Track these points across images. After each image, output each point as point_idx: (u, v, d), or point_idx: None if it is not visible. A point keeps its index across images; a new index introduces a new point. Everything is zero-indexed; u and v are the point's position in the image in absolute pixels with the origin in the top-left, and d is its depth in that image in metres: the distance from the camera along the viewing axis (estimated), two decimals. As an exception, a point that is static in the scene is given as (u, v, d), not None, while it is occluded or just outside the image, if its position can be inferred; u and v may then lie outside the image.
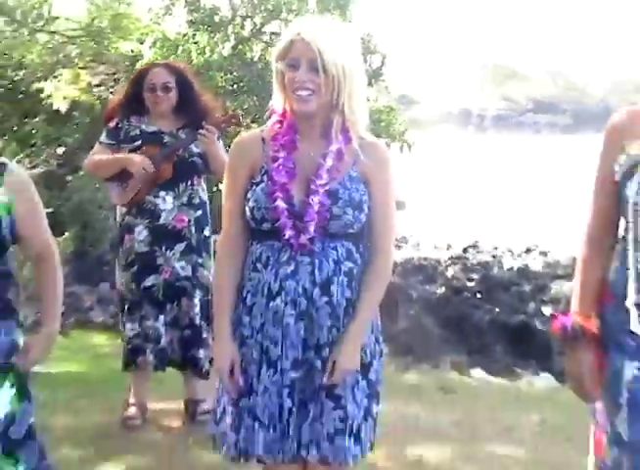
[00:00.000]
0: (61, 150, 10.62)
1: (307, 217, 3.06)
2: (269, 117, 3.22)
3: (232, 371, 3.15)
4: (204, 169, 5.32)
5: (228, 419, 3.18)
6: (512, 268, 14.11)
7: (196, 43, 11.73)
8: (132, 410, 5.39)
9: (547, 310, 11.12)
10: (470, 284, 12.84)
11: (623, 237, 3.01)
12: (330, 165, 3.10)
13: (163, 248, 5.25)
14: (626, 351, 2.93)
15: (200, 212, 5.34)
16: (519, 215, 19.79)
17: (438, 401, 6.53)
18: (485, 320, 10.74)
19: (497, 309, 11.37)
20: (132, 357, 5.38)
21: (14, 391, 3.17)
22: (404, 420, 5.87)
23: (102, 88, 9.95)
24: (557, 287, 12.59)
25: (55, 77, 9.70)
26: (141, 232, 5.26)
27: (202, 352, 5.34)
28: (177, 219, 5.26)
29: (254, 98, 11.80)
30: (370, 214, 3.16)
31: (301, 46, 3.02)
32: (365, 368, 3.17)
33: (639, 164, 2.92)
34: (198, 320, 5.32)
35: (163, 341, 5.28)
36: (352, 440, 3.15)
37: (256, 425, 3.12)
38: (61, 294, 3.35)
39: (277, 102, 3.18)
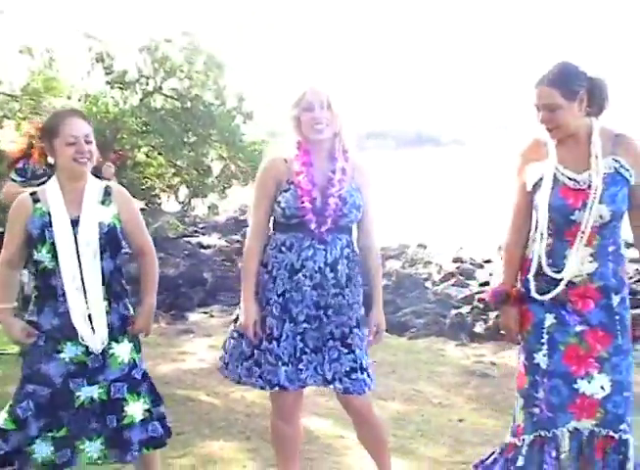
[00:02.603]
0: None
1: (326, 213, 3.24)
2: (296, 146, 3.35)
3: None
4: None
5: (250, 359, 3.33)
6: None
7: (112, 97, 11.59)
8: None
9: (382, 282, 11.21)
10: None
11: (537, 228, 3.14)
12: (339, 178, 3.29)
13: None
14: (545, 306, 3.12)
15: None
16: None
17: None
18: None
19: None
20: None
21: (131, 345, 3.34)
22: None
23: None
24: (389, 264, 12.75)
25: (1, 127, 9.51)
26: None
27: None
28: None
29: (159, 137, 11.74)
30: (362, 215, 3.36)
31: (313, 94, 3.27)
32: (362, 322, 3.35)
33: (542, 178, 3.09)
34: None
35: None
36: (365, 374, 3.29)
37: (279, 363, 3.25)
38: (157, 279, 3.47)
39: (294, 136, 3.35)
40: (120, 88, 11.71)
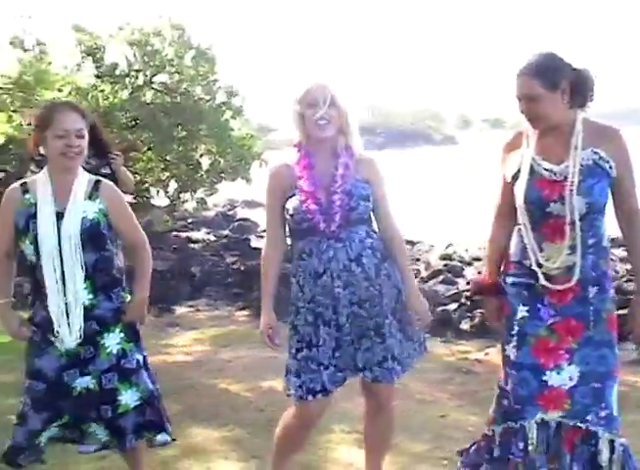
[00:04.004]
0: (1, 175, 10.37)
1: (333, 211, 3.21)
2: (294, 147, 3.35)
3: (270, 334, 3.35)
4: None
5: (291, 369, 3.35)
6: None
7: (102, 91, 11.56)
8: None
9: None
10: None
11: (519, 221, 3.13)
12: (341, 173, 3.25)
13: None
14: (520, 298, 3.13)
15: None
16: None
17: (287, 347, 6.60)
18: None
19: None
20: None
21: (122, 334, 3.33)
22: (260, 361, 5.96)
23: (31, 127, 9.75)
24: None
25: (-8, 119, 9.52)
26: None
27: None
28: None
29: (148, 131, 11.72)
30: (376, 208, 3.33)
31: (318, 90, 3.23)
32: (394, 312, 3.33)
33: (520, 170, 3.09)
34: None
35: None
36: (396, 363, 3.30)
37: (321, 368, 3.26)
38: (149, 272, 3.47)
39: (296, 135, 3.33)
40: (110, 82, 11.68)
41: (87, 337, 3.25)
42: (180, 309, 8.75)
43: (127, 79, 11.75)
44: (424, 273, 11.88)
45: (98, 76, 11.57)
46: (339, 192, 3.23)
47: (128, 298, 3.39)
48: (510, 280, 3.20)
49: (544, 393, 3.05)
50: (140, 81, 11.88)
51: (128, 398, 3.32)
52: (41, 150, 3.33)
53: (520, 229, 3.14)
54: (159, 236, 12.62)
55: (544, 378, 3.06)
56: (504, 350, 3.18)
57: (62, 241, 3.18)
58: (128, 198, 5.30)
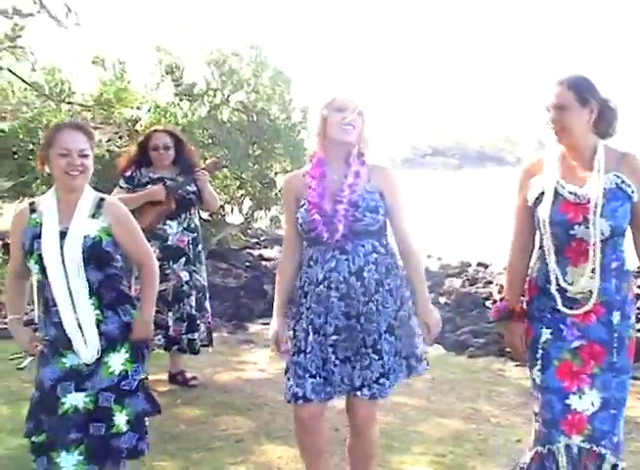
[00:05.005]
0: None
1: (336, 220, 3.23)
2: (310, 158, 3.42)
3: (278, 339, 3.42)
4: (197, 203, 5.53)
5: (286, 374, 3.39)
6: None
7: (180, 109, 11.78)
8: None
9: (442, 300, 11.22)
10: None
11: (541, 246, 3.17)
12: (351, 182, 3.27)
13: (171, 262, 5.41)
14: (544, 322, 3.12)
15: (195, 234, 5.59)
16: (422, 230, 19.88)
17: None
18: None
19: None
20: None
21: (127, 355, 3.32)
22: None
23: (110, 143, 9.95)
24: (449, 282, 12.73)
25: (74, 136, 9.71)
26: (154, 251, 5.35)
27: (196, 335, 5.54)
28: (179, 240, 5.46)
29: (225, 149, 11.89)
30: (391, 219, 3.34)
31: (346, 98, 3.30)
32: (392, 328, 3.31)
33: (543, 193, 3.11)
34: (193, 312, 5.51)
35: (171, 330, 5.43)
36: (388, 380, 3.30)
37: (306, 375, 3.27)
38: (155, 290, 3.49)
39: (314, 143, 3.39)
40: (189, 100, 11.89)
41: None
42: (254, 327, 8.79)
43: (205, 98, 11.95)
44: (497, 296, 11.73)
45: (177, 95, 11.80)
46: (344, 202, 3.23)
47: (134, 314, 3.38)
48: (534, 304, 3.20)
49: (567, 417, 3.07)
50: (217, 100, 12.06)
51: (121, 420, 3.30)
52: (46, 169, 3.33)
53: (541, 253, 3.14)
54: (232, 253, 12.76)
55: (567, 401, 3.09)
56: (531, 373, 3.19)
57: (64, 260, 3.18)
58: (204, 215, 5.42)
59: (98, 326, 3.25)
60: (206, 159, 12.84)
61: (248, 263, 12.66)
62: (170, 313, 5.45)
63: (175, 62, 11.75)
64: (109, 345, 3.27)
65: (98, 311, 3.25)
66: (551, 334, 3.11)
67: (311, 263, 3.31)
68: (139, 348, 3.38)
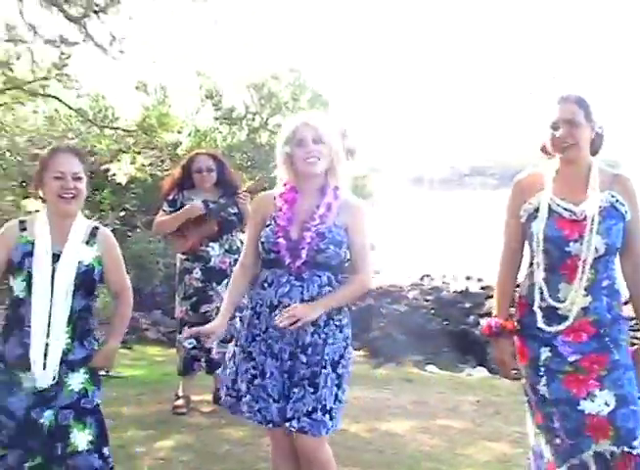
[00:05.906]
0: (122, 213, 10.76)
1: (301, 246, 3.16)
2: (285, 183, 3.32)
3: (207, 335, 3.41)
4: (239, 225, 5.48)
5: (248, 395, 3.24)
6: (457, 291, 14.03)
7: (220, 133, 11.91)
8: (180, 401, 5.50)
9: (483, 321, 11.13)
10: (425, 303, 12.84)
11: (531, 263, 3.15)
12: (322, 213, 3.22)
13: (214, 283, 5.41)
14: (540, 340, 3.08)
15: (236, 256, 5.50)
16: (461, 251, 19.85)
17: (402, 389, 6.58)
18: (437, 329, 10.85)
19: (446, 322, 11.45)
20: (190, 364, 5.53)
21: (87, 376, 3.29)
22: (377, 402, 5.95)
23: (152, 167, 10.04)
24: (490, 304, 12.64)
25: (118, 160, 9.81)
26: (197, 272, 5.42)
27: None
28: (222, 261, 5.43)
29: (264, 172, 11.98)
30: (351, 254, 3.26)
31: (306, 129, 3.22)
32: (335, 365, 3.21)
33: (538, 209, 3.10)
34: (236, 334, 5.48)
35: (214, 352, 5.39)
36: (328, 417, 3.17)
37: (270, 400, 3.20)
38: (126, 321, 3.49)
39: (283, 174, 3.32)
40: (228, 124, 12.01)
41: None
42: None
43: (244, 122, 12.06)
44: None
45: (216, 119, 11.93)
46: (312, 230, 3.18)
47: (97, 347, 3.36)
48: (525, 322, 3.15)
49: (586, 422, 2.98)
50: (256, 123, 12.18)
51: (79, 439, 3.25)
52: (40, 193, 3.31)
53: (536, 267, 3.11)
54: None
55: (579, 408, 2.99)
56: (537, 391, 3.11)
57: (54, 282, 3.18)
58: (241, 236, 5.43)
59: (66, 354, 3.23)
60: (246, 181, 13.04)
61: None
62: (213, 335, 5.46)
63: (215, 86, 11.88)
64: (68, 368, 3.25)
65: (69, 341, 3.24)
66: (550, 351, 3.06)
67: (265, 285, 3.25)
68: (97, 374, 3.37)
